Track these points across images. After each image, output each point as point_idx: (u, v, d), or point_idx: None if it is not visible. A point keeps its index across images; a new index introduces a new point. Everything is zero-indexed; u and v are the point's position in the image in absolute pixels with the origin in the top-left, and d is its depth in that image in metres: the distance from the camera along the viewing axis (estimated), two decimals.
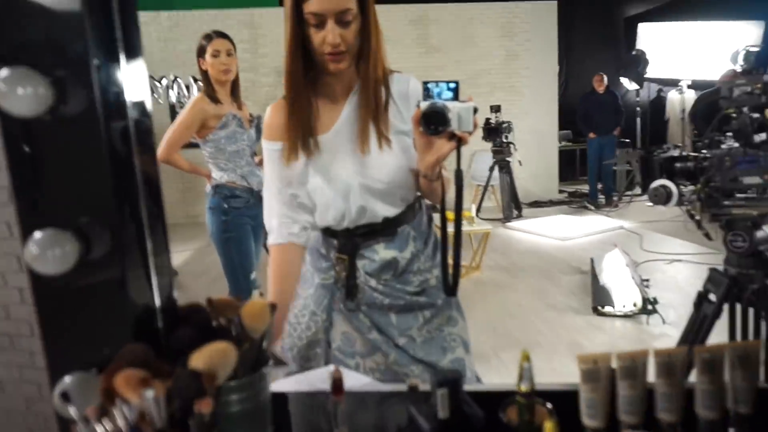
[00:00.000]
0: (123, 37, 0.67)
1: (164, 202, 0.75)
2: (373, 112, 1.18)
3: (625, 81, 8.17)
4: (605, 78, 7.44)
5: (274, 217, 1.30)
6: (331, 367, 0.81)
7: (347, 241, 1.25)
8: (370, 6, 1.12)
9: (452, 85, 1.01)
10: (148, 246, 0.71)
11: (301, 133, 1.19)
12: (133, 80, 0.69)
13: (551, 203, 8.01)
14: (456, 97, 1.01)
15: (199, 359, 0.61)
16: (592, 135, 7.49)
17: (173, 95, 6.96)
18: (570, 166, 9.14)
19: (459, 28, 7.89)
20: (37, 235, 0.62)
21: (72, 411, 0.59)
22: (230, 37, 2.54)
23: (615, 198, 7.49)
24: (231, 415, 0.77)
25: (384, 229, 1.24)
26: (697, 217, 1.82)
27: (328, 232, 1.28)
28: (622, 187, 7.46)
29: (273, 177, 1.28)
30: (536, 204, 7.89)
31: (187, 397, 0.57)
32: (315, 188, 1.23)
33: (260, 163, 2.53)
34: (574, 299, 4.03)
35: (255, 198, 2.53)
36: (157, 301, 0.71)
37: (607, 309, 3.67)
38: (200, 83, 2.92)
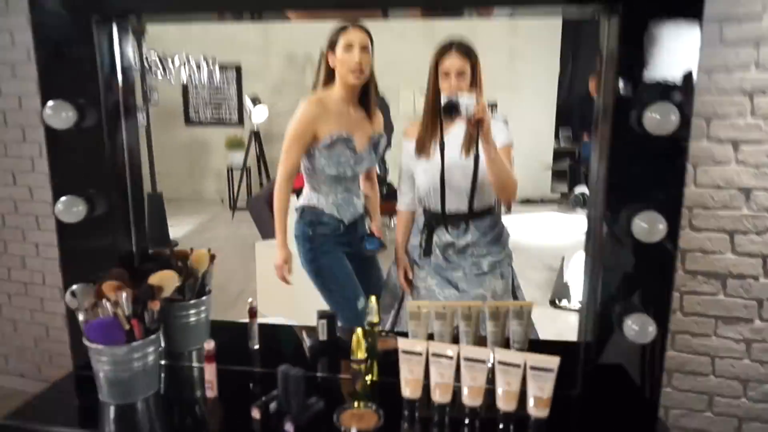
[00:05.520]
0: None
1: (169, 180, 1.15)
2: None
3: None
4: None
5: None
6: None
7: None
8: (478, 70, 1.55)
9: None
10: (131, 214, 1.11)
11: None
12: None
13: (542, 202, 8.32)
14: None
15: (153, 278, 1.01)
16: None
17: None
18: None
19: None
20: (63, 198, 1.02)
21: (77, 303, 0.98)
22: None
23: None
24: (181, 326, 1.17)
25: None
26: None
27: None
28: None
29: None
30: (528, 202, 8.22)
31: (144, 299, 0.97)
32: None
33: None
34: (537, 292, 4.39)
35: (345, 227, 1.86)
36: (134, 245, 1.11)
37: (563, 303, 4.03)
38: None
